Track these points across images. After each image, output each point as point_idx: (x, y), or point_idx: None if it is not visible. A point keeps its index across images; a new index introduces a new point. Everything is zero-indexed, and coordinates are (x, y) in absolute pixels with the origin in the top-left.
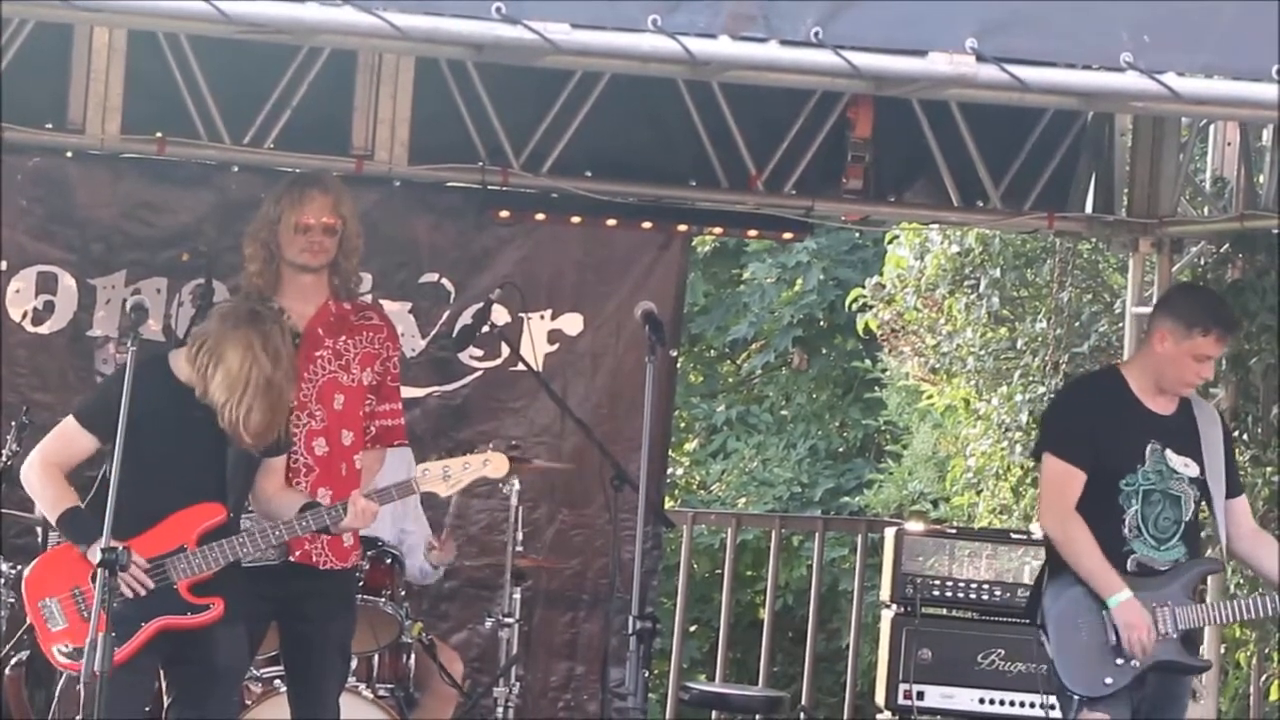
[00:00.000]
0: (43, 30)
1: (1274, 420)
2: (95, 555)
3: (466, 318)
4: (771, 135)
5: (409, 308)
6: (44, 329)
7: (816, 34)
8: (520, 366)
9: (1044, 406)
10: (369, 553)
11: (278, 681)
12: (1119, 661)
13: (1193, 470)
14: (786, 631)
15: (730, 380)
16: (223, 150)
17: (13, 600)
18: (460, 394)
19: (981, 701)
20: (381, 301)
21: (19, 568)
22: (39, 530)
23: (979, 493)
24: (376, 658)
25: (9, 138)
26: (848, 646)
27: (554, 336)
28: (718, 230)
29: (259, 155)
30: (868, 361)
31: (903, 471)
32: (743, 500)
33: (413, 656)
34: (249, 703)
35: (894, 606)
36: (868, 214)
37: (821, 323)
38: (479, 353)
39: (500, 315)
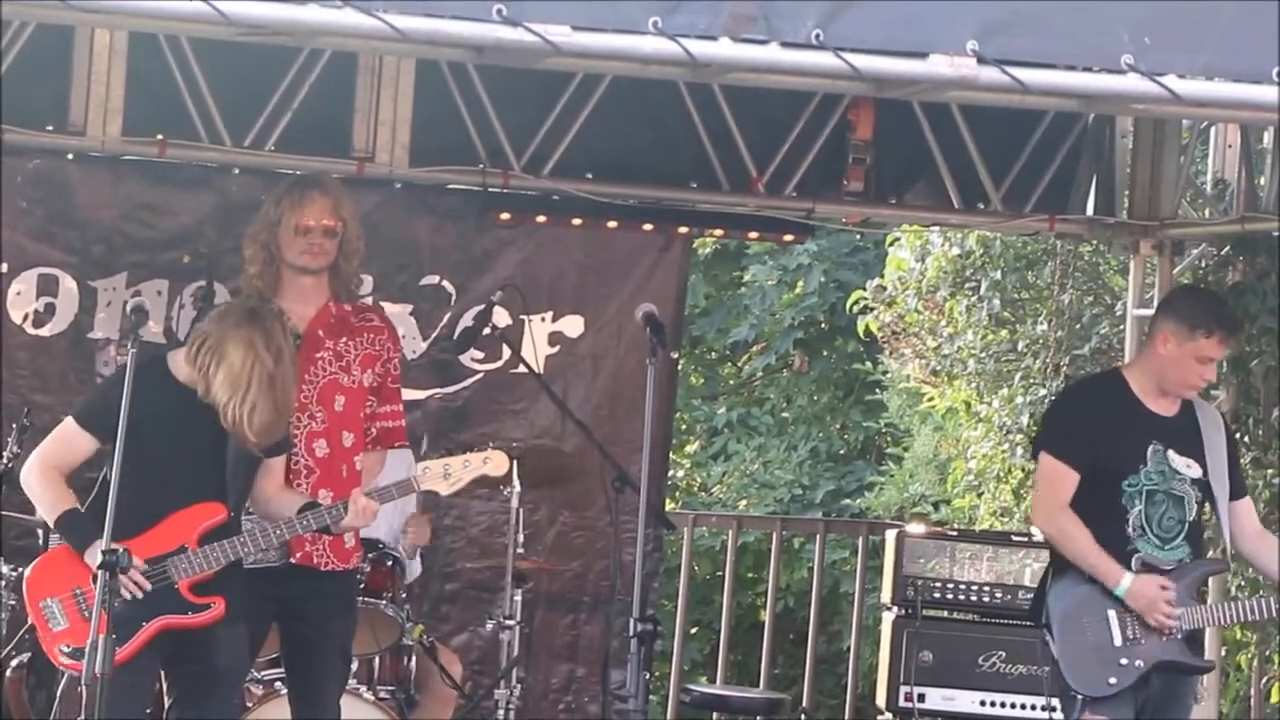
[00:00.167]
0: (44, 32)
1: (1275, 422)
2: (94, 557)
3: (467, 320)
4: (772, 137)
5: (410, 310)
6: (45, 331)
7: (817, 36)
8: (521, 369)
9: (1045, 409)
10: (370, 555)
11: (279, 683)
12: (1123, 662)
13: (1195, 471)
14: (787, 633)
15: (731, 382)
16: (224, 152)
17: (13, 603)
18: (461, 396)
19: (982, 704)
20: (382, 304)
21: (20, 570)
22: (40, 533)
23: (980, 495)
24: (377, 660)
25: (10, 139)
26: (849, 649)
27: (555, 338)
28: (718, 232)
29: (260, 157)
30: (869, 364)
31: (904, 474)
32: (744, 502)
33: (413, 658)
34: (250, 705)
35: (895, 609)
36: (868, 216)
37: (822, 325)
38: (480, 355)
39: (501, 317)
